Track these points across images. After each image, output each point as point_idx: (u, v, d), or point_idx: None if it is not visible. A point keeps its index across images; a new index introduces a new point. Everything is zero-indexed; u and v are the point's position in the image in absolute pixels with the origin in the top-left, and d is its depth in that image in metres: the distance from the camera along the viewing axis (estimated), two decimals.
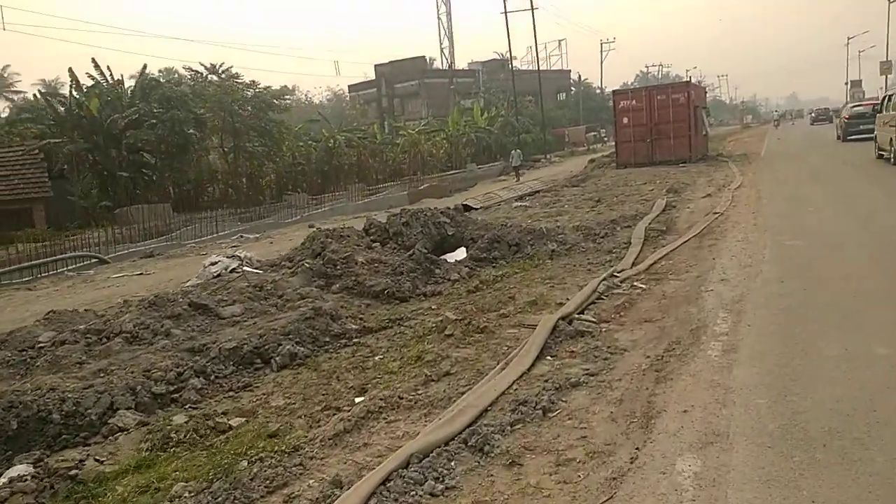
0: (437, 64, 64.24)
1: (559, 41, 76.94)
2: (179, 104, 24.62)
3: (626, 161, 25.18)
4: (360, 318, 6.85)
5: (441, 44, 65.10)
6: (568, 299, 6.59)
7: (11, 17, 75.25)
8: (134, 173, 24.64)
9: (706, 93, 30.46)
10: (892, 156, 16.81)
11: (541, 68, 74.09)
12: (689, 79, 58.00)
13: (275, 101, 28.04)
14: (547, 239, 9.54)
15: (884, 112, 18.04)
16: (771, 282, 6.85)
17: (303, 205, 26.86)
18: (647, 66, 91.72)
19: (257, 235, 19.53)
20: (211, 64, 26.50)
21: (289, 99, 29.66)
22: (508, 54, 45.46)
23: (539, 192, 19.05)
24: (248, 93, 27.32)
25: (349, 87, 61.54)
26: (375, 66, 56.54)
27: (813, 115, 63.75)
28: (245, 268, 9.13)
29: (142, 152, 25.13)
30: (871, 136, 20.60)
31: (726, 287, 6.75)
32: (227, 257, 9.96)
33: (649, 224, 10.99)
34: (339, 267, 8.38)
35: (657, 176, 20.34)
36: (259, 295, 7.42)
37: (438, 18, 64.95)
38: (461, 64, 63.92)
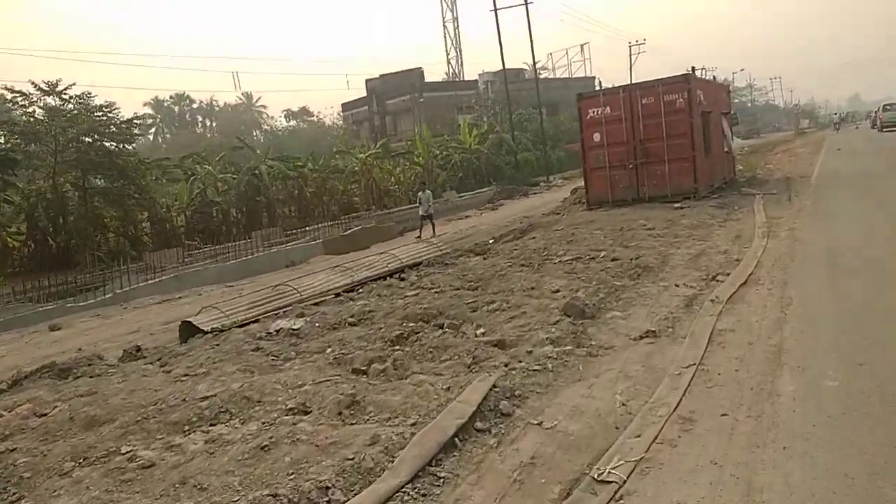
0: (443, 76, 56.27)
1: (581, 45, 67.39)
2: None
3: (600, 198, 16.32)
4: None
5: (448, 54, 57.30)
6: None
7: None
8: None
9: (729, 93, 21.08)
10: None
11: (562, 76, 65.12)
12: (712, 76, 46.68)
13: (120, 127, 20.23)
14: None
15: None
16: None
17: (161, 264, 19.10)
18: (687, 70, 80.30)
19: None
20: (48, 82, 19.05)
21: (145, 123, 21.85)
22: (500, 60, 36.84)
23: (398, 274, 10.50)
24: (101, 117, 19.67)
25: (342, 105, 54.11)
26: (366, 80, 48.92)
27: (875, 115, 48.98)
28: None
29: None
30: None
31: None
32: None
33: None
34: None
35: (625, 230, 11.58)
36: None
37: (444, 26, 57.30)
38: (472, 76, 55.68)
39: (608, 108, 15.87)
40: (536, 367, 4.88)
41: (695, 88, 15.40)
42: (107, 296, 15.51)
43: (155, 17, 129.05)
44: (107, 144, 19.16)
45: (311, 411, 4.52)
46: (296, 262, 19.64)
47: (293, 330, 7.30)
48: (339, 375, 5.34)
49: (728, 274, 7.60)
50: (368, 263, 10.71)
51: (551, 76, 65.80)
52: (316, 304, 9.00)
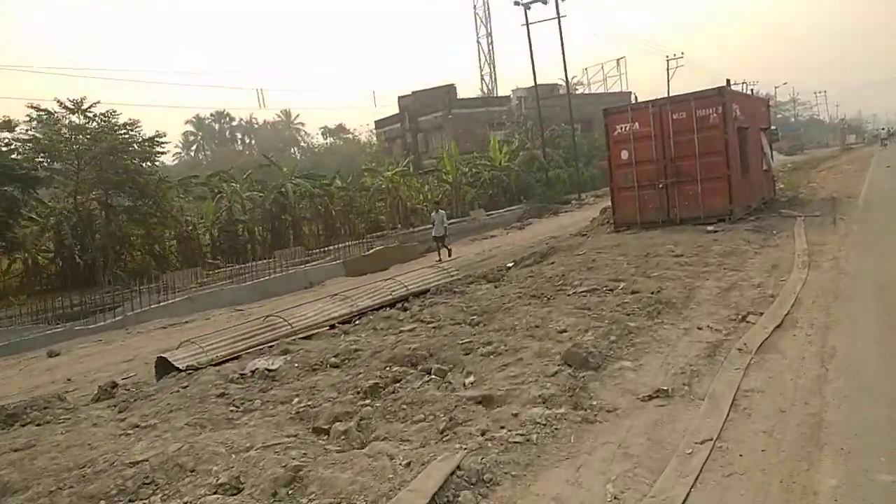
0: (478, 92, 55.72)
1: (617, 60, 66.12)
2: None
3: (628, 219, 15.33)
4: None
5: (481, 70, 56.80)
6: None
7: None
8: None
9: (769, 107, 19.85)
10: None
11: (597, 91, 63.95)
12: (750, 90, 45.19)
13: (137, 145, 19.97)
14: None
15: None
16: None
17: (179, 285, 18.76)
18: (729, 83, 78.46)
19: None
20: (73, 100, 19.01)
21: (163, 144, 21.69)
22: (532, 74, 36.07)
23: (402, 302, 9.75)
24: (123, 135, 19.50)
25: (376, 122, 53.95)
26: (399, 97, 48.63)
27: None
28: None
29: None
30: None
31: None
32: None
33: None
34: None
35: (650, 256, 10.62)
36: None
37: (478, 42, 56.84)
38: (507, 91, 54.98)
39: (636, 123, 14.92)
40: (518, 439, 4.04)
41: (730, 102, 14.35)
42: (117, 318, 15.17)
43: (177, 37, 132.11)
44: (128, 162, 18.94)
45: (243, 489, 3.78)
46: (314, 283, 19.10)
47: (269, 371, 6.60)
48: (296, 436, 4.59)
49: (761, 314, 6.62)
50: (372, 291, 9.99)
51: (586, 91, 64.76)
52: (307, 337, 8.30)
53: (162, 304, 16.20)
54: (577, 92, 63.91)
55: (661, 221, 14.74)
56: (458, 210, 31.87)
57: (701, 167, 14.21)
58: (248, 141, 79.96)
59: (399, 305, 9.70)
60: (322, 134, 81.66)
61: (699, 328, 6.20)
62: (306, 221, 27.76)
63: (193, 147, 78.21)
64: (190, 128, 76.75)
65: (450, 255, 18.14)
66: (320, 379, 6.05)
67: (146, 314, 15.64)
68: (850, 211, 14.63)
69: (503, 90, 55.84)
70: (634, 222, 15.15)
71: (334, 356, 6.82)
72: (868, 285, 7.41)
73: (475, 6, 55.80)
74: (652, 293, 7.90)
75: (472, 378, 5.54)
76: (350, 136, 73.13)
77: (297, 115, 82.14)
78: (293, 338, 8.17)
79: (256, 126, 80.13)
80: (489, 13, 55.00)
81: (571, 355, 5.36)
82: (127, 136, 19.35)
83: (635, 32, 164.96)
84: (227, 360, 7.46)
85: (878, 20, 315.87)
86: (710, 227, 13.19)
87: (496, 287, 10.20)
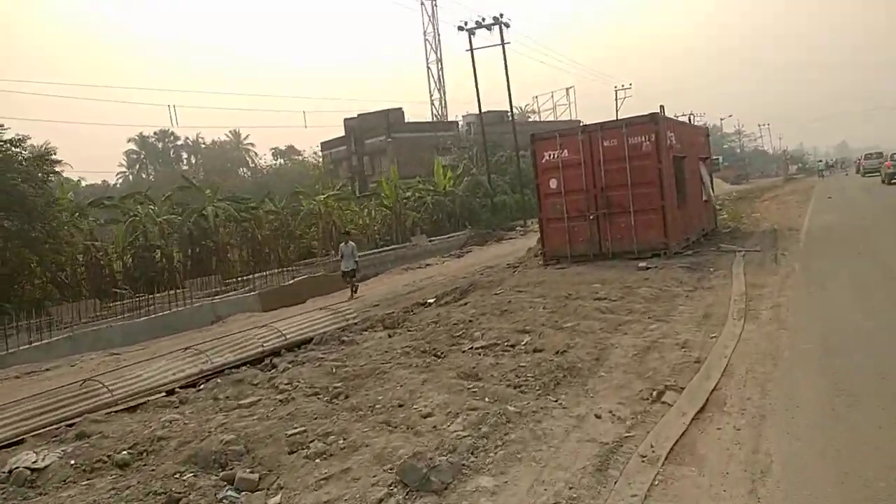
0: (428, 116, 54.57)
1: (567, 89, 66.07)
2: None
3: (558, 252, 13.96)
4: None
5: (431, 95, 55.72)
6: None
7: None
8: None
9: (708, 136, 18.92)
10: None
11: (547, 119, 63.62)
12: (688, 117, 44.93)
13: (23, 163, 17.73)
14: None
15: None
16: None
17: (68, 319, 16.55)
18: (675, 115, 79.60)
19: None
20: None
21: (56, 163, 19.56)
22: (477, 101, 34.95)
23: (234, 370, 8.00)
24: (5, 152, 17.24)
25: (322, 144, 52.20)
26: (345, 119, 47.04)
27: (859, 162, 48.88)
28: None
29: None
30: None
31: None
32: None
33: None
34: None
35: (570, 299, 9.21)
36: None
37: (428, 67, 55.72)
38: (456, 117, 54.02)
39: (566, 150, 13.63)
40: None
41: (664, 130, 13.18)
42: None
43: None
44: (15, 182, 16.73)
45: None
46: (223, 317, 17.19)
47: (33, 471, 4.82)
48: None
49: (681, 389, 5.16)
50: (238, 342, 8.26)
51: (538, 119, 64.42)
52: (132, 408, 6.52)
53: (34, 344, 14.04)
54: (530, 119, 63.54)
55: (592, 255, 13.42)
56: (399, 236, 30.34)
57: (633, 198, 12.97)
58: (193, 161, 76.99)
59: (268, 360, 8.00)
60: (273, 155, 79.47)
61: (598, 416, 4.68)
62: (231, 247, 25.74)
63: (137, 167, 74.89)
64: (133, 146, 73.52)
65: (353, 295, 16.08)
66: (78, 494, 4.30)
67: (14, 356, 13.49)
68: (792, 246, 13.57)
69: (461, 115, 54.84)
70: (565, 255, 13.80)
71: (129, 448, 5.07)
72: (812, 349, 6.06)
73: (425, 31, 54.96)
74: (557, 353, 6.41)
75: (277, 500, 3.89)
76: (300, 157, 71.07)
77: (248, 136, 79.70)
78: (110, 410, 6.37)
79: (203, 146, 77.31)
80: (439, 39, 54.13)
81: (408, 471, 3.75)
82: (10, 153, 17.16)
83: (587, 63, 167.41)
84: (5, 447, 5.63)
85: (820, 57, 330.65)
86: (642, 264, 11.89)
87: (390, 336, 8.59)
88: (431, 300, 13.02)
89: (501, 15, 33.86)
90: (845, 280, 9.15)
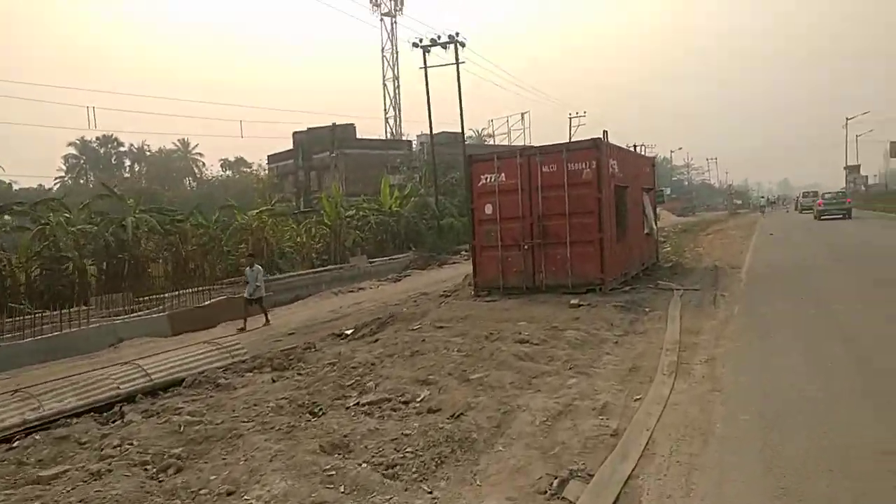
0: (393, 135, 53.47)
1: (522, 113, 65.93)
2: None
3: (490, 283, 12.94)
4: None
5: (386, 112, 54.73)
6: None
7: None
8: None
9: (654, 167, 18.33)
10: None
11: (502, 143, 63.31)
12: (635, 147, 45.49)
13: None
14: None
15: None
16: None
17: None
18: (627, 145, 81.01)
19: None
20: None
21: None
22: (428, 119, 33.99)
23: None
24: None
25: (269, 157, 50.43)
26: (294, 133, 45.48)
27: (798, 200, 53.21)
28: None
29: None
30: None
31: None
32: None
33: None
34: None
35: (490, 340, 8.13)
36: None
37: (384, 85, 54.84)
38: (408, 136, 53.11)
39: (503, 174, 12.67)
40: None
41: (606, 157, 12.36)
42: None
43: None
44: None
45: None
46: (125, 339, 15.50)
47: None
48: None
49: (590, 477, 4.08)
50: (89, 382, 6.85)
51: (492, 143, 64.07)
52: None
53: None
54: (487, 143, 63.11)
55: (525, 288, 12.43)
56: (338, 256, 28.93)
57: (571, 228, 12.06)
58: (137, 168, 73.90)
59: (118, 408, 6.61)
60: (221, 166, 77.07)
61: None
62: (152, 262, 23.88)
63: (77, 172, 71.29)
64: (73, 150, 70.05)
65: (244, 328, 14.51)
66: None
67: None
68: (733, 285, 12.86)
69: (417, 134, 53.86)
70: (497, 287, 12.78)
71: None
72: (750, 421, 5.09)
73: (383, 49, 54.13)
74: (453, 416, 5.29)
75: None
76: (248, 169, 68.82)
77: (196, 145, 77.12)
78: None
79: (148, 153, 74.29)
80: (397, 56, 53.35)
81: None
82: None
83: (545, 90, 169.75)
84: None
85: (766, 96, 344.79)
86: (574, 300, 10.92)
87: (274, 381, 7.31)
88: (349, 331, 11.82)
89: (457, 34, 33.12)
90: (788, 331, 8.33)
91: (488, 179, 12.79)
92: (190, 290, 20.53)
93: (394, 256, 30.56)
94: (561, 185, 12.11)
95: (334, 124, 42.66)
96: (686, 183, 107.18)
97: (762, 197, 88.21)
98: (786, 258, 17.41)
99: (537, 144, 16.29)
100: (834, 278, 12.98)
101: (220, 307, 17.75)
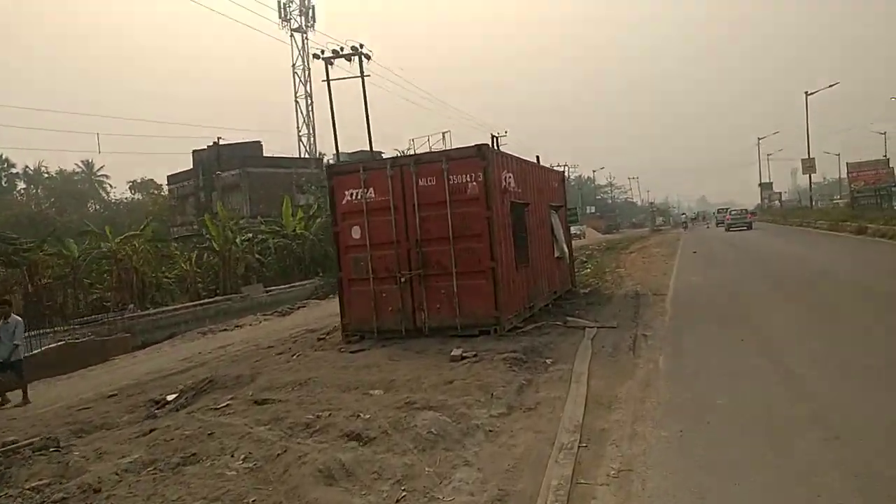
0: (308, 154, 50.06)
1: (443, 133, 63.82)
2: None
3: (362, 325, 10.13)
4: None
5: (299, 130, 51.39)
6: None
7: None
8: None
9: (564, 181, 16.08)
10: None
11: None
12: (536, 158, 43.96)
13: None
14: None
15: None
16: None
17: None
18: (551, 166, 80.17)
19: None
20: None
21: None
22: (333, 133, 31.02)
23: None
24: None
25: (168, 177, 46.11)
26: (194, 151, 41.54)
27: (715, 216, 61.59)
28: None
29: None
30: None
31: None
32: None
33: None
34: None
35: (306, 432, 5.29)
36: None
37: (296, 101, 51.57)
38: (319, 154, 49.87)
39: (371, 189, 9.94)
40: None
41: (497, 168, 9.84)
42: None
43: None
44: None
45: None
46: None
47: None
48: None
49: None
50: None
51: None
52: None
53: None
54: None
55: (404, 331, 9.72)
56: (229, 285, 25.41)
57: (456, 255, 9.44)
58: (32, 191, 67.28)
59: None
60: (130, 188, 71.31)
61: None
62: None
63: None
64: None
65: (2, 402, 9.97)
66: None
67: None
68: (656, 320, 10.53)
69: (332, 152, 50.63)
70: (370, 330, 9.99)
71: None
72: None
73: (294, 64, 50.94)
74: None
75: None
76: (156, 192, 63.64)
77: (102, 167, 71.13)
78: None
79: (46, 176, 67.85)
80: (309, 73, 50.22)
81: None
82: None
83: (469, 111, 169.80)
84: None
85: (686, 116, 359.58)
86: (456, 351, 8.23)
87: None
88: (172, 396, 8.74)
89: (361, 45, 30.44)
90: (730, 404, 5.85)
91: (354, 196, 10.04)
92: (40, 332, 16.72)
93: (297, 284, 27.26)
94: (442, 202, 9.50)
95: (243, 142, 39.07)
96: (610, 201, 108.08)
97: (683, 214, 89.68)
98: (712, 282, 15.42)
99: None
100: (768, 306, 10.88)
101: (56, 355, 14.17)
